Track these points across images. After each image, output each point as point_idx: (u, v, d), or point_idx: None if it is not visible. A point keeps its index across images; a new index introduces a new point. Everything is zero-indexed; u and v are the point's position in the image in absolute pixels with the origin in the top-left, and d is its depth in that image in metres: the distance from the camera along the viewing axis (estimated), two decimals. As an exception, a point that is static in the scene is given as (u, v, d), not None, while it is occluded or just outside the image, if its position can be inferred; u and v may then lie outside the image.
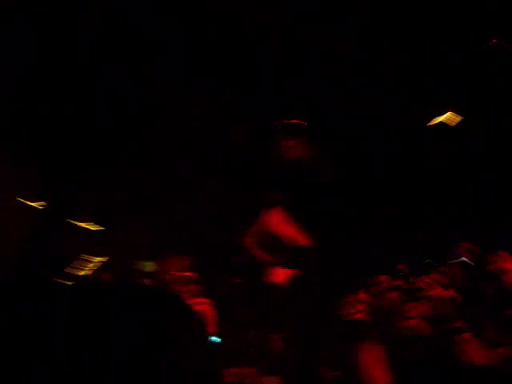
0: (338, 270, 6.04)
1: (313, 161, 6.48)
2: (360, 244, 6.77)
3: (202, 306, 5.82)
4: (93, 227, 6.82)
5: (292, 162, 6.44)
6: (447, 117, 6.45)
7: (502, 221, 5.17)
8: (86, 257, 6.56)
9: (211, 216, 6.67)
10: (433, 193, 6.57)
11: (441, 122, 6.51)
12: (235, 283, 6.21)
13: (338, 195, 6.79)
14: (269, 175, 6.25)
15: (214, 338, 5.61)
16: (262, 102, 6.02)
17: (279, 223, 3.92)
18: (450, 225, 6.08)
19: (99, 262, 6.58)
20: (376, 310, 3.45)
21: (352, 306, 5.20)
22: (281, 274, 3.80)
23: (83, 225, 6.78)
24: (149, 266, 6.66)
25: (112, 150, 6.31)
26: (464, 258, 3.93)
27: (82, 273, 6.34)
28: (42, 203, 6.50)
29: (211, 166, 6.56)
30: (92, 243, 6.84)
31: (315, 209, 5.91)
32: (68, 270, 6.31)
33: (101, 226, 6.84)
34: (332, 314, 5.25)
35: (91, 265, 6.77)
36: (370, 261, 6.22)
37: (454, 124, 6.43)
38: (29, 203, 6.29)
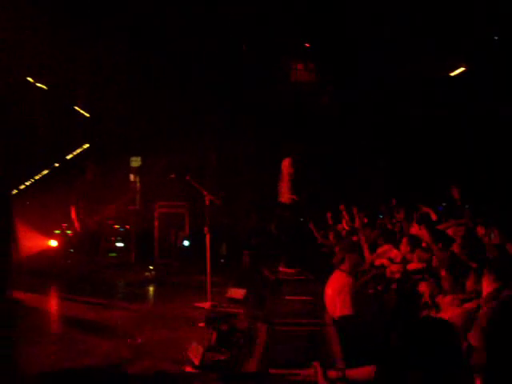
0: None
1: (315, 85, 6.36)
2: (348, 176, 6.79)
3: (179, 208, 5.88)
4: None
5: (296, 85, 6.30)
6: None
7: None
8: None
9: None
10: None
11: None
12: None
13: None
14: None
15: (185, 242, 5.77)
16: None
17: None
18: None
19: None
20: (352, 245, 3.47)
21: (328, 237, 5.26)
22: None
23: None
24: (136, 162, 6.69)
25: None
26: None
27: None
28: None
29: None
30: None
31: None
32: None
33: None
34: (310, 241, 5.34)
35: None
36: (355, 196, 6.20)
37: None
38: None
